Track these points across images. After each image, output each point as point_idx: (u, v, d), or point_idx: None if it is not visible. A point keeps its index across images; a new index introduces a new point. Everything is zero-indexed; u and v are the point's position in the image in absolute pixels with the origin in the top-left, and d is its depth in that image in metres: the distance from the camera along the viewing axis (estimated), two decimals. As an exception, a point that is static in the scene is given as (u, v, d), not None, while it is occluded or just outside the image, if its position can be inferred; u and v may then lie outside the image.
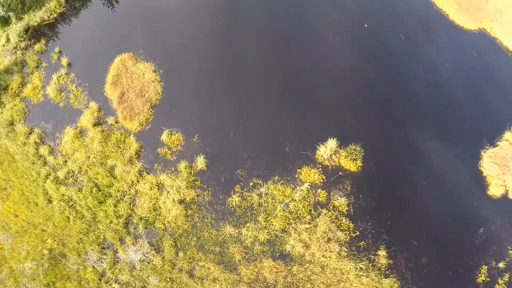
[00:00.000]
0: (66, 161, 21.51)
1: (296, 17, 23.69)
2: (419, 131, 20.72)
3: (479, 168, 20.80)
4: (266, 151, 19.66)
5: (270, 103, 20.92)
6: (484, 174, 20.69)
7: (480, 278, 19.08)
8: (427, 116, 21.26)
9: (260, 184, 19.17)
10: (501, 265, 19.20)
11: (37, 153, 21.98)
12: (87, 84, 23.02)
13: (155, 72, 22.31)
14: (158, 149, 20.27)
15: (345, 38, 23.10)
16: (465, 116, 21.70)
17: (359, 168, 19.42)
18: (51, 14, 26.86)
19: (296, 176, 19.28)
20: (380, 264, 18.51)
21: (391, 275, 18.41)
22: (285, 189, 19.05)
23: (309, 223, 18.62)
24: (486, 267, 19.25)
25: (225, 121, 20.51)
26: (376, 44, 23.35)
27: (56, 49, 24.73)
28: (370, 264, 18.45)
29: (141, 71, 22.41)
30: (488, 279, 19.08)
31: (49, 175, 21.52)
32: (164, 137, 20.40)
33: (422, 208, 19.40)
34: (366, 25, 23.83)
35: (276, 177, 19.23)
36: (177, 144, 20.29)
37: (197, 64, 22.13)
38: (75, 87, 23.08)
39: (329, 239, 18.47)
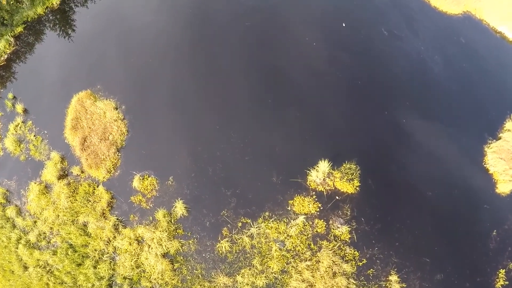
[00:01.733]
0: (35, 222, 17.83)
1: (266, 27, 19.84)
2: (417, 136, 17.42)
3: (485, 166, 17.60)
4: (251, 184, 16.16)
5: (248, 130, 17.25)
6: (490, 172, 17.50)
7: (498, 283, 16.12)
8: (423, 118, 17.89)
9: (250, 223, 15.78)
10: (519, 265, 16.36)
11: (5, 215, 18.30)
12: (46, 132, 19.09)
13: (117, 109, 18.45)
14: (132, 198, 16.65)
15: (322, 42, 19.37)
16: (463, 112, 18.42)
17: (357, 188, 16.06)
18: (1, 56, 22.50)
19: (289, 208, 15.88)
20: (393, 290, 15.45)
21: (407, 299, 15.41)
22: (278, 225, 15.68)
23: (310, 259, 15.34)
24: (504, 270, 16.28)
25: (201, 157, 16.83)
26: (358, 44, 19.76)
27: (10, 95, 20.65)
28: (383, 292, 15.40)
29: (101, 110, 18.47)
30: (507, 282, 16.14)
31: (20, 239, 17.94)
32: (136, 183, 16.73)
33: (431, 221, 16.27)
34: (344, 25, 20.04)
35: (267, 213, 15.80)
36: (152, 190, 16.65)
37: (163, 96, 18.27)
38: (34, 136, 19.11)
39: (334, 274, 15.23)
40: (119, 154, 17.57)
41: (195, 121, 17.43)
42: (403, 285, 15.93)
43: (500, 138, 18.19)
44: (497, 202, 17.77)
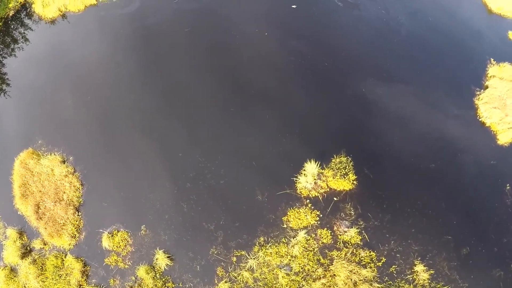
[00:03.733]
0: (10, 313, 14.01)
1: (210, 28, 16.23)
2: (401, 107, 14.44)
3: (479, 119, 14.86)
4: (235, 210, 12.67)
5: (216, 149, 13.66)
6: (487, 125, 14.71)
7: (525, 238, 13.58)
8: (404, 86, 14.86)
9: (245, 255, 12.37)
10: (541, 213, 13.74)
11: (-26, 312, 14.34)
12: (-4, 208, 15.21)
13: (65, 162, 14.64)
14: (106, 260, 12.94)
15: (275, 30, 15.97)
16: (442, 69, 15.53)
17: (354, 182, 12.86)
18: None
19: (285, 226, 12.53)
20: (422, 281, 12.46)
21: (438, 286, 12.54)
22: (278, 249, 12.33)
23: (324, 276, 12.17)
24: (527, 223, 13.76)
25: (170, 194, 13.18)
26: (314, 23, 16.54)
27: (-50, 176, 16.53)
28: (412, 286, 12.47)
29: (47, 167, 14.70)
30: (534, 234, 13.63)
31: (-1, 337, 14.06)
32: (106, 242, 13.09)
33: (442, 195, 13.37)
34: (294, 6, 16.56)
35: (262, 238, 12.41)
36: (125, 245, 12.99)
37: (111, 135, 14.49)
38: (-15, 215, 15.20)
39: (355, 284, 12.15)
40: (79, 214, 13.89)
41: (153, 154, 13.74)
42: (431, 271, 13.02)
43: (487, 87, 15.36)
44: (502, 154, 14.93)
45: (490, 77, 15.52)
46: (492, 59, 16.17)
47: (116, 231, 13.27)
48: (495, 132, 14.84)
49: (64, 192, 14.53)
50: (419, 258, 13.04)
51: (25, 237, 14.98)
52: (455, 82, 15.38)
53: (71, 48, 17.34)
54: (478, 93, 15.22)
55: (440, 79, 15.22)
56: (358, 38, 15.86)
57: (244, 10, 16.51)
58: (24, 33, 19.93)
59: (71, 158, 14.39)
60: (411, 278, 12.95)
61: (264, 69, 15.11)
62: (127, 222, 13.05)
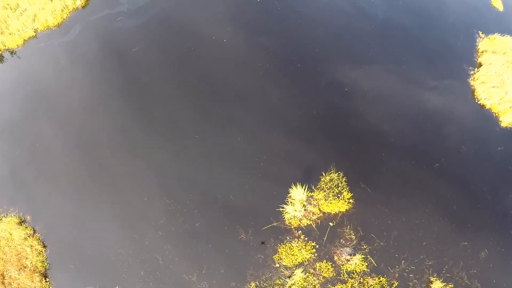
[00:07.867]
0: None
1: (162, 45, 12.71)
2: (392, 99, 11.26)
3: (478, 102, 11.98)
4: (217, 256, 9.60)
5: (186, 187, 10.40)
6: (487, 107, 11.79)
7: (544, 225, 10.88)
8: (390, 74, 11.61)
9: None
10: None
11: None
12: (-38, 279, 12.37)
13: (23, 223, 11.65)
14: None
15: (236, 32, 12.32)
16: (429, 50, 12.26)
17: (351, 200, 9.85)
18: None
19: (277, 265, 9.48)
20: (442, 298, 9.99)
21: (460, 299, 9.97)
22: None
23: None
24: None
25: (141, 246, 10.02)
26: (280, 18, 13.00)
27: None
28: (431, 306, 9.92)
29: (5, 232, 11.59)
30: (552, 219, 10.93)
31: None
32: None
33: (451, 196, 10.44)
34: (258, 0, 13.16)
35: (253, 284, 9.31)
36: None
37: (68, 186, 11.10)
38: (-47, 288, 12.40)
39: None
40: (47, 280, 11.07)
41: (117, 204, 10.49)
42: (450, 285, 10.52)
43: (481, 64, 12.23)
44: (508, 137, 12.17)
45: (482, 52, 12.41)
46: (480, 32, 13.27)
47: (88, 295, 10.82)
48: (497, 114, 11.77)
49: (27, 258, 11.56)
50: (435, 274, 10.38)
51: (-4, 312, 12.38)
52: (445, 63, 12.22)
53: (13, 91, 14.07)
54: (472, 72, 12.10)
55: (428, 62, 11.99)
56: (334, 29, 12.29)
57: (196, 19, 12.73)
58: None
59: (28, 217, 11.12)
60: (429, 297, 10.48)
61: (230, 83, 11.47)
62: (99, 284, 9.90)
